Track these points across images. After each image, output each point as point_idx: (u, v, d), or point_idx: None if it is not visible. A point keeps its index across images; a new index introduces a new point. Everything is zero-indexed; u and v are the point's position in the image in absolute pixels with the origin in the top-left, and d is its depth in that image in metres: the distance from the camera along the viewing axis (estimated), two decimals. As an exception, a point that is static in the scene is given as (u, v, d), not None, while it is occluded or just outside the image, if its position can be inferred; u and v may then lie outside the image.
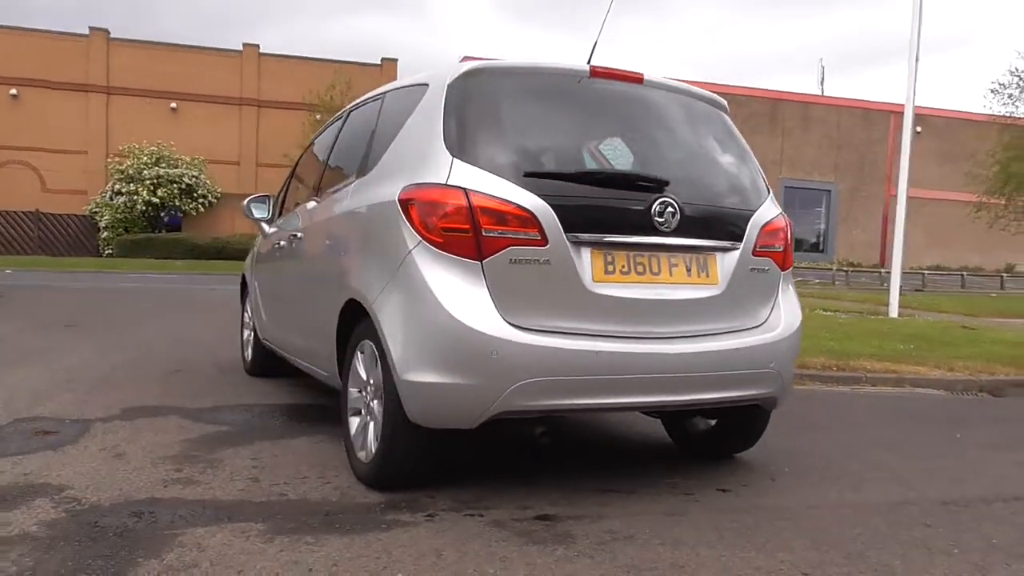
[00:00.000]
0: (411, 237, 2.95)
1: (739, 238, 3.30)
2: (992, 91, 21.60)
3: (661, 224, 3.08)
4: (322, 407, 4.75)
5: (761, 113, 36.68)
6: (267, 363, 5.54)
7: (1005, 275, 33.85)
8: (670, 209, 3.09)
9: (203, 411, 4.51)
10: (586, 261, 2.99)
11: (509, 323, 2.85)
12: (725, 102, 3.74)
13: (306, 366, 4.24)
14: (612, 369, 2.95)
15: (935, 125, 40.45)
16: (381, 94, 3.94)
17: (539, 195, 2.92)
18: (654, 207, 3.07)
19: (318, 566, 2.45)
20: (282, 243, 4.54)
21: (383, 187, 3.26)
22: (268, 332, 5.06)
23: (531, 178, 2.96)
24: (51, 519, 2.74)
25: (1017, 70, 21.15)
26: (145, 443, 3.77)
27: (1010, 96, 21.10)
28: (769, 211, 3.46)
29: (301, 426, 4.22)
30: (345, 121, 4.34)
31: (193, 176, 29.44)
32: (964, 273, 33.22)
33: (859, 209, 39.11)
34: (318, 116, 33.65)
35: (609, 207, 3.04)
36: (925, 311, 14.69)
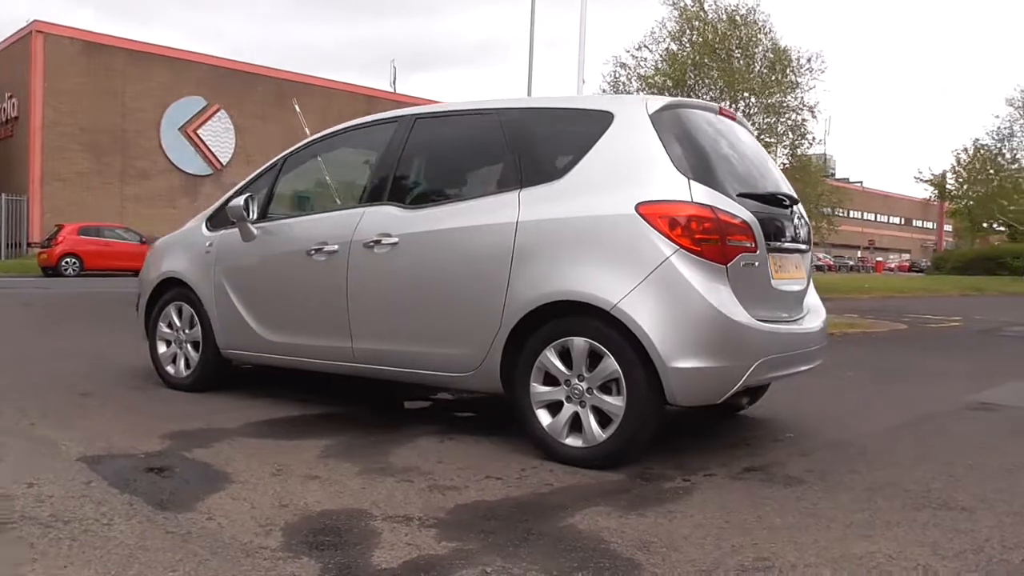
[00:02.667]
0: (666, 245, 3.44)
1: (809, 242, 4.36)
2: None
3: (795, 233, 4.00)
4: (367, 414, 4.69)
5: (362, 112, 38.10)
6: (216, 377, 5.12)
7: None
8: (799, 221, 4.03)
9: (252, 428, 4.18)
10: (768, 263, 3.78)
11: (749, 314, 3.54)
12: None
13: (394, 371, 4.23)
14: (793, 346, 3.81)
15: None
16: (491, 111, 4.18)
17: (750, 211, 3.64)
18: (794, 220, 3.98)
19: (723, 524, 2.90)
20: (334, 248, 4.34)
21: (590, 199, 3.63)
22: (258, 341, 4.73)
23: (742, 197, 3.66)
24: (443, 535, 2.72)
25: (609, 80, 25.37)
26: (299, 466, 3.53)
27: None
28: None
29: (396, 432, 4.17)
30: (411, 130, 4.36)
31: None
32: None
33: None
34: None
35: (776, 220, 3.87)
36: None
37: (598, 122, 3.80)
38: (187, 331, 5.17)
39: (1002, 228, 43.19)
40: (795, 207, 4.07)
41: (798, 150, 25.73)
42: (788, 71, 23.81)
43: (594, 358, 3.58)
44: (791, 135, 24.20)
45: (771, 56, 24.13)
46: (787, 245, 3.98)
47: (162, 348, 5.32)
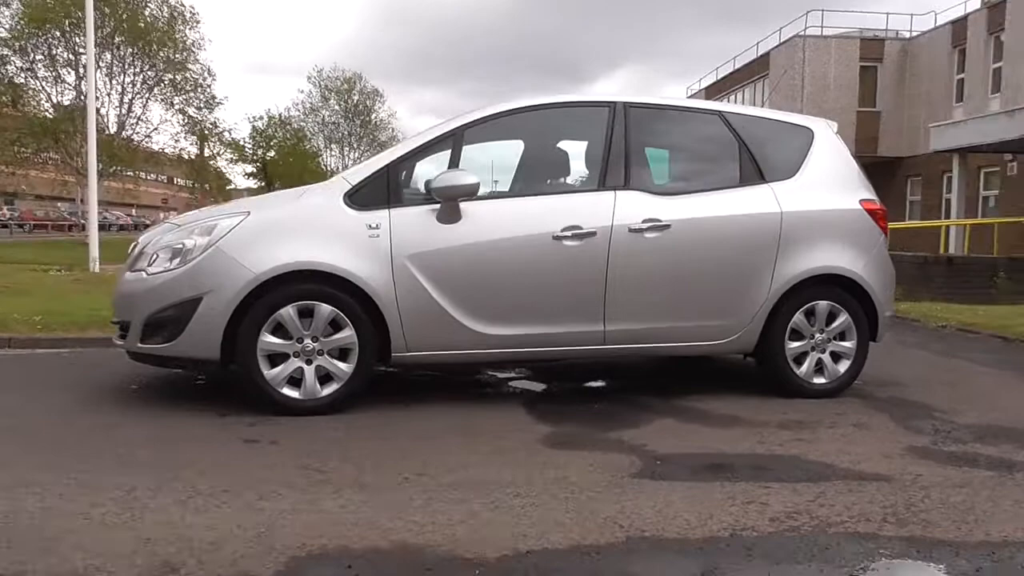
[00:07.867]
0: (878, 232, 4.93)
1: None
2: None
3: None
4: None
5: None
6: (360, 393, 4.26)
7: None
8: None
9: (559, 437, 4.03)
10: None
11: None
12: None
13: (644, 347, 4.62)
14: None
15: None
16: (712, 111, 4.80)
17: None
18: None
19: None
20: (592, 231, 4.29)
21: (823, 195, 4.84)
22: (468, 336, 4.27)
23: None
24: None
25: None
26: (717, 443, 3.88)
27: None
28: None
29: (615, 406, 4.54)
30: (627, 117, 4.57)
31: None
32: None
33: None
34: None
35: None
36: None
37: (804, 135, 4.96)
38: (324, 338, 4.09)
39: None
40: None
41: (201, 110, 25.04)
42: (182, 27, 23.24)
43: (829, 316, 4.81)
44: (196, 94, 23.62)
45: (168, 11, 23.14)
46: None
47: (266, 368, 4.03)
